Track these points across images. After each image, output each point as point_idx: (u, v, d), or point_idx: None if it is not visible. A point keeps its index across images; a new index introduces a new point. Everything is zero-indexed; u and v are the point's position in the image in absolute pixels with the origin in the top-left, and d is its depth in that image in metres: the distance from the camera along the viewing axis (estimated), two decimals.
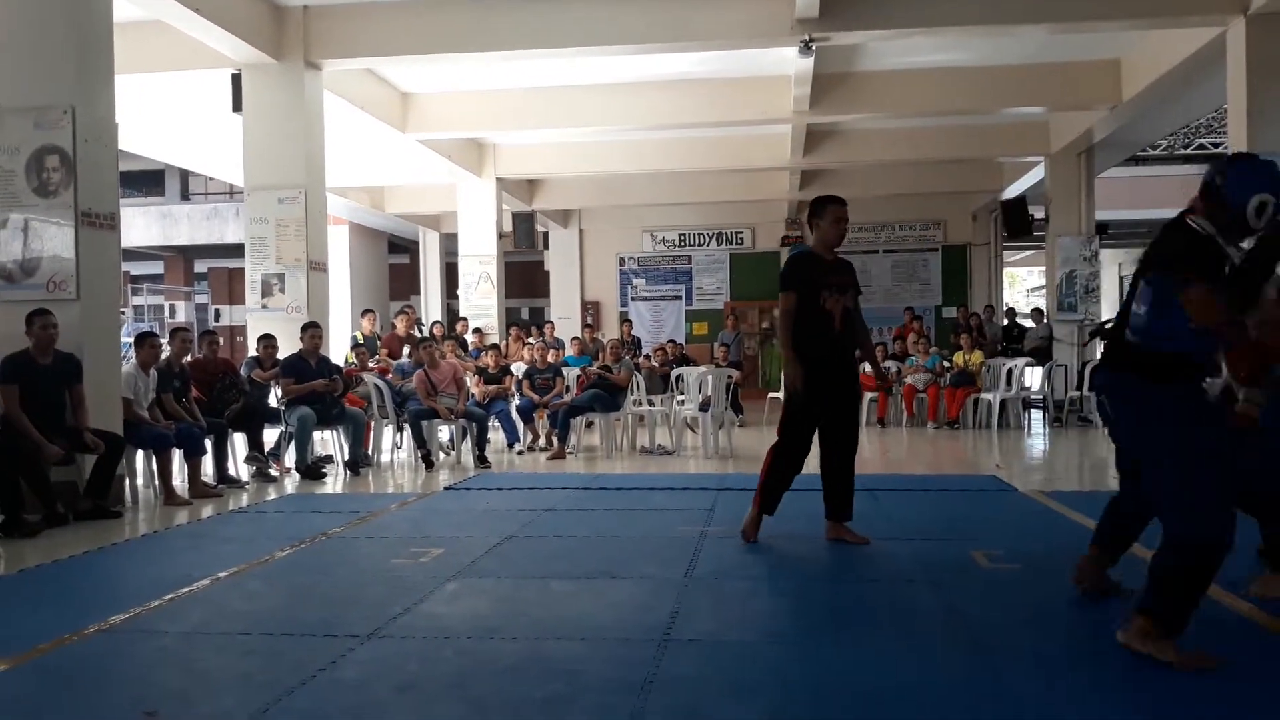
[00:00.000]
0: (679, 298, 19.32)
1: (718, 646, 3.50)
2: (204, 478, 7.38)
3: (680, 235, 19.30)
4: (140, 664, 3.48)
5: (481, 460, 8.86)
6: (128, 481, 6.90)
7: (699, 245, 19.33)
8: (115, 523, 6.19)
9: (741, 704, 2.92)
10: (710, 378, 9.74)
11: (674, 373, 11.50)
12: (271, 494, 7.47)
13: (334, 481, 8.20)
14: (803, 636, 3.66)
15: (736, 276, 19.16)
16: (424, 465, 8.78)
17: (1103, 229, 14.47)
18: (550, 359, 10.74)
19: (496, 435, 10.45)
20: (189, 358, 7.93)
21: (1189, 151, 18.90)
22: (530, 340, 12.59)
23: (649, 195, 17.22)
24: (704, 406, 9.76)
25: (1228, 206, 3.27)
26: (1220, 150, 18.69)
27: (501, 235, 14.96)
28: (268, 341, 8.67)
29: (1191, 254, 3.27)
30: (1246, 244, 3.38)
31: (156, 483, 7.05)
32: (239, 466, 8.14)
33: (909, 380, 12.46)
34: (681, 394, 10.93)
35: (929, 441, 10.85)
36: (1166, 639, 3.20)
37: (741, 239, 19.29)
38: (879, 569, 4.69)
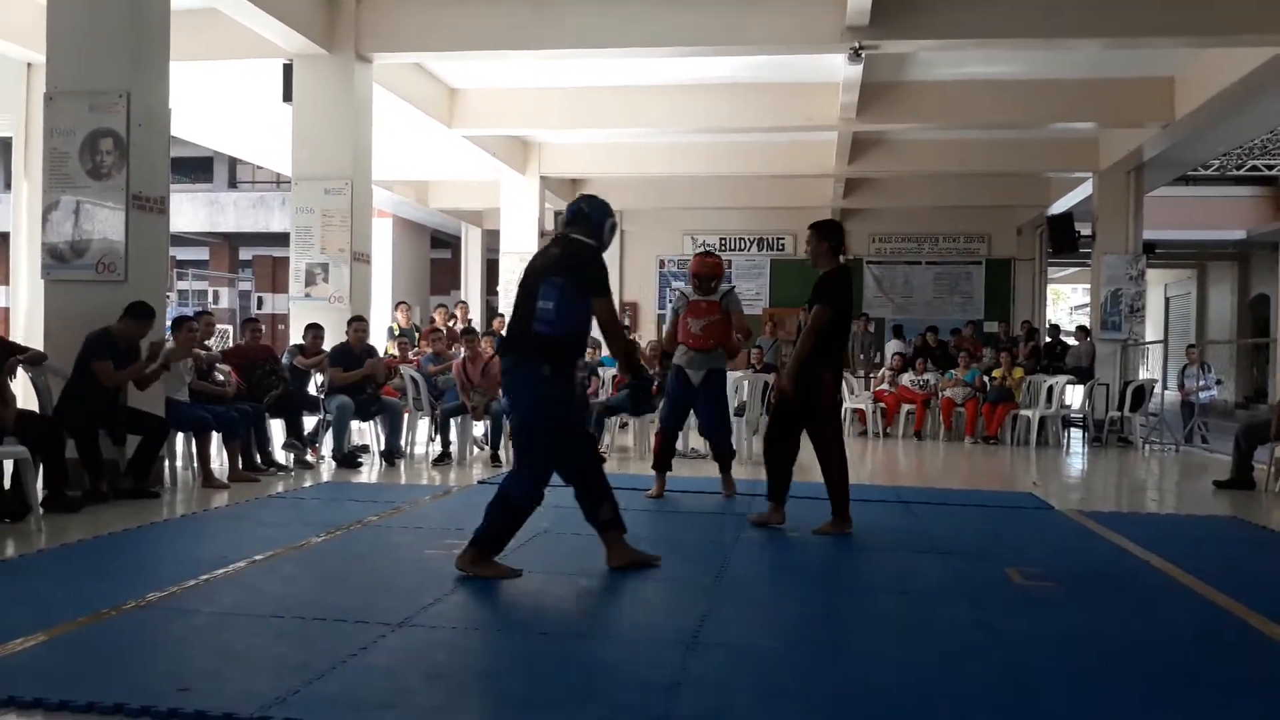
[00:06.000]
0: None
1: (746, 651, 3.49)
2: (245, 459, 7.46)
3: (721, 239, 19.25)
4: (175, 641, 3.53)
5: (495, 459, 8.86)
6: (167, 463, 7.00)
7: (739, 250, 19.27)
8: (154, 502, 6.28)
9: (768, 709, 2.91)
10: (746, 383, 9.70)
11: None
12: (308, 481, 7.54)
13: (369, 471, 8.27)
14: (832, 644, 3.63)
15: (776, 283, 19.10)
16: (444, 459, 8.78)
17: (1150, 248, 14.30)
18: (586, 358, 10.75)
19: None
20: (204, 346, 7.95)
21: (1241, 172, 18.59)
22: None
23: (691, 198, 17.21)
24: (739, 411, 9.73)
25: (592, 225, 4.57)
26: (1276, 173, 18.41)
27: (543, 233, 15.02)
28: (315, 332, 8.75)
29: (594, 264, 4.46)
30: None
31: (195, 465, 7.15)
32: (277, 452, 8.22)
33: (947, 394, 12.35)
34: None
35: (966, 456, 10.75)
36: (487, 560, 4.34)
37: (783, 245, 19.21)
38: (912, 581, 4.65)
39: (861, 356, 16.39)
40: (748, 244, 19.30)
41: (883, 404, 12.69)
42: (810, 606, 4.23)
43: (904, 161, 14.24)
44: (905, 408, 12.54)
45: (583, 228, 4.56)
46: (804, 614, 4.12)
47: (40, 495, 5.63)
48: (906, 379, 12.78)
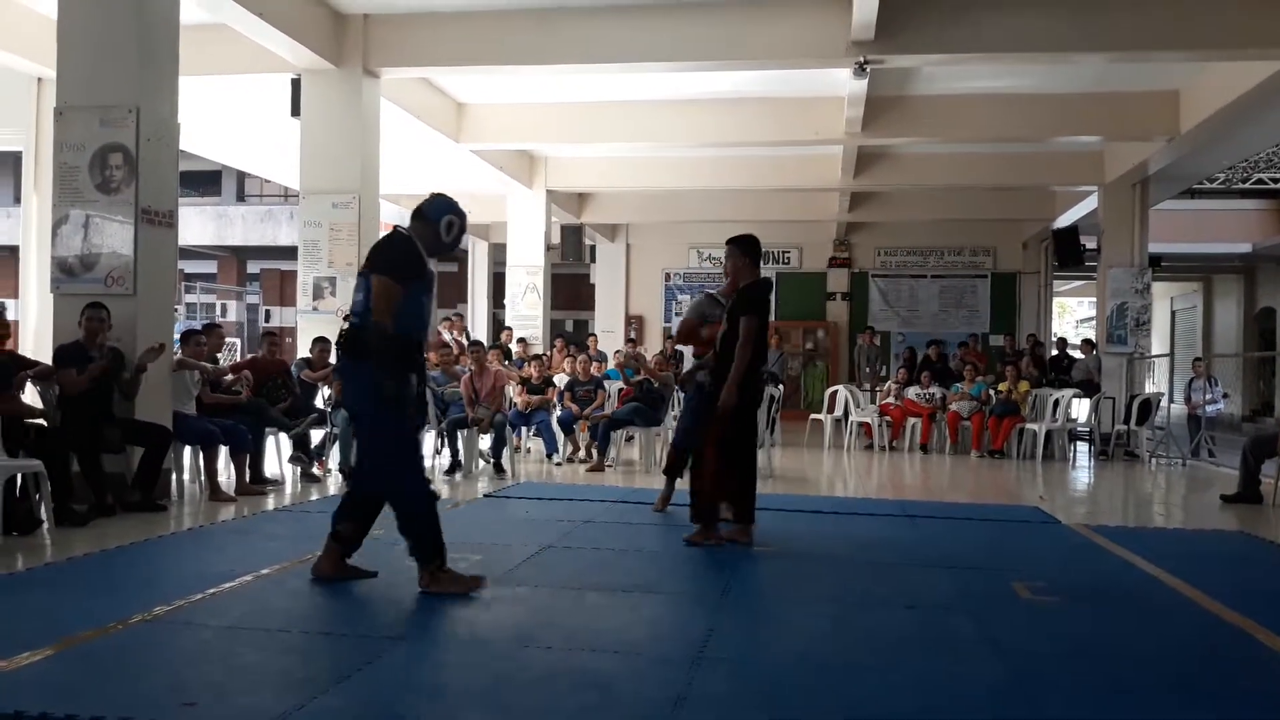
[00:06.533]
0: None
1: (751, 667, 3.48)
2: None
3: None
4: (181, 656, 3.53)
5: (498, 469, 8.91)
6: (174, 476, 7.01)
7: None
8: (161, 516, 6.29)
9: None
10: None
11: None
12: (314, 494, 7.56)
13: None
14: (837, 660, 3.63)
15: (782, 296, 19.10)
16: (455, 469, 8.85)
17: (1156, 261, 14.28)
18: (593, 372, 10.78)
19: (536, 445, 10.51)
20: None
21: (1247, 185, 18.57)
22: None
23: (697, 212, 17.25)
24: None
25: (428, 221, 4.46)
26: None
27: (550, 247, 15.07)
28: (323, 345, 8.77)
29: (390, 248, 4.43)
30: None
31: (203, 478, 7.16)
32: (283, 465, 8.24)
33: (953, 407, 12.33)
34: None
35: (972, 470, 10.73)
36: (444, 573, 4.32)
37: (788, 258, 19.23)
38: (917, 596, 4.65)
39: (867, 370, 16.39)
40: None
41: (889, 417, 12.68)
42: (816, 623, 4.22)
43: (909, 175, 14.26)
44: (911, 421, 12.53)
45: (419, 225, 4.50)
46: (810, 629, 4.12)
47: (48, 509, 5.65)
48: (912, 392, 12.76)
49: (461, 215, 4.58)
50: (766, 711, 3.03)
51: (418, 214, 4.53)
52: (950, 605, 4.47)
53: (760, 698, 3.16)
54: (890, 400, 12.88)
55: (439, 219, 4.48)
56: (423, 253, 4.47)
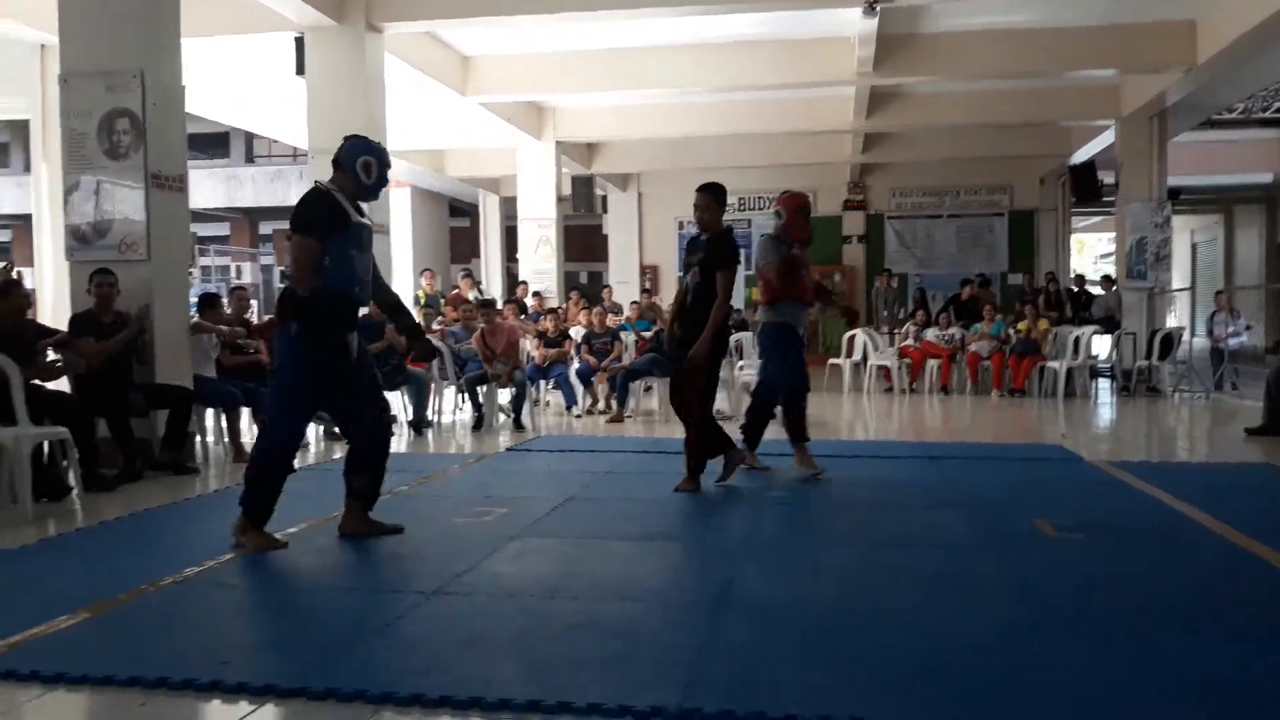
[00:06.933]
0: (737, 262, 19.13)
1: (775, 613, 3.49)
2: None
3: (740, 199, 19.11)
4: (213, 616, 3.58)
5: (517, 424, 8.95)
6: (199, 439, 7.07)
7: (759, 209, 19.14)
8: (189, 478, 6.36)
9: (798, 671, 2.92)
10: None
11: (733, 337, 11.44)
12: (337, 453, 7.61)
13: (397, 441, 8.30)
14: (864, 603, 3.63)
15: None
16: (477, 427, 8.88)
17: (1175, 195, 14.07)
18: (610, 323, 10.76)
19: (555, 399, 10.54)
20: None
21: (1268, 115, 18.23)
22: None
23: (709, 158, 17.06)
24: None
25: (345, 169, 4.40)
26: None
27: (560, 199, 14.96)
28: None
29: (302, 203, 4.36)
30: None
31: (226, 440, 7.22)
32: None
33: (973, 348, 12.27)
34: (741, 358, 10.89)
35: (993, 410, 10.70)
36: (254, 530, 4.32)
37: None
38: (940, 536, 4.65)
39: (885, 313, 16.31)
40: (768, 203, 19.16)
41: (908, 359, 12.63)
42: (839, 566, 4.23)
43: (922, 115, 14.05)
44: (931, 363, 12.48)
45: (338, 175, 4.44)
46: (834, 574, 4.13)
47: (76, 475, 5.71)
48: (931, 334, 12.70)
49: (379, 153, 4.48)
50: (793, 656, 3.05)
51: (335, 163, 4.45)
52: (975, 545, 4.48)
53: (785, 644, 3.17)
54: (909, 342, 12.83)
55: (353, 164, 4.40)
56: (344, 204, 4.37)
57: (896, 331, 14.12)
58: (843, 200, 18.75)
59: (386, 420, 4.74)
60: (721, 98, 13.74)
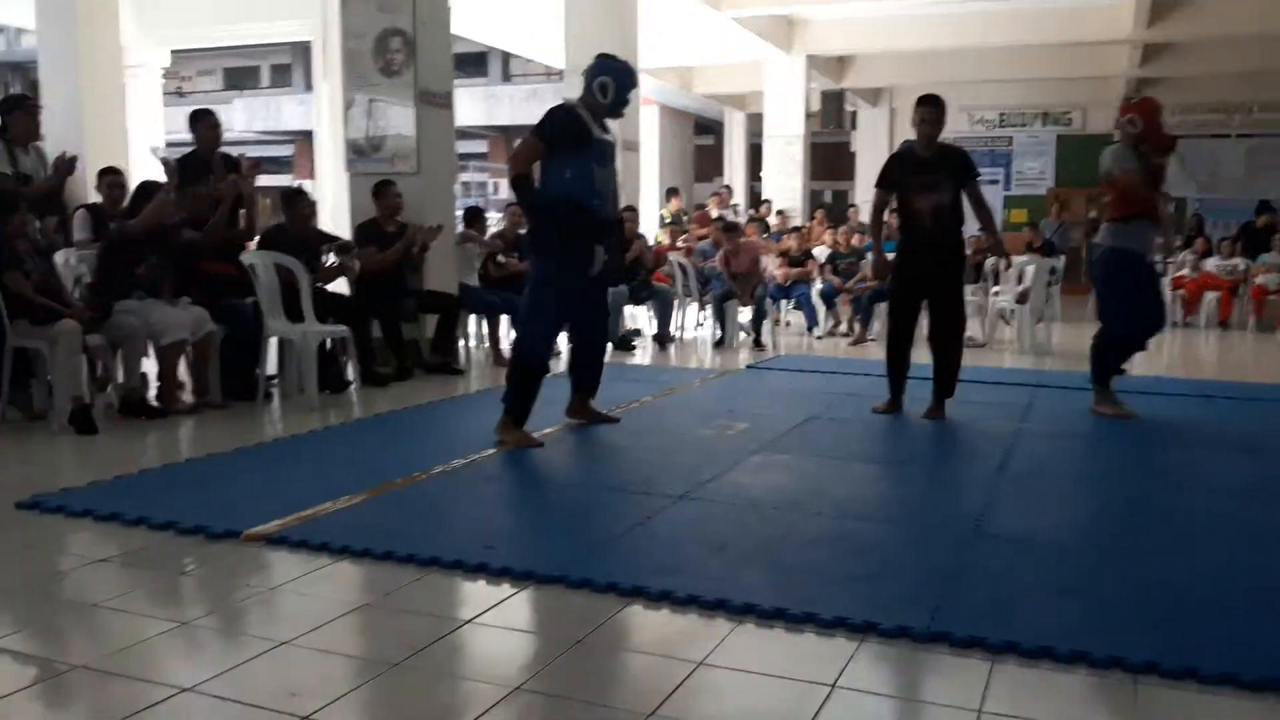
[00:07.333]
0: (996, 181, 18.14)
1: (1030, 543, 3.36)
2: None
3: (1000, 115, 18.05)
4: (480, 504, 3.84)
5: (757, 343, 8.94)
6: (461, 343, 7.52)
7: (1021, 126, 18.03)
8: (454, 379, 6.80)
9: (1053, 603, 2.80)
10: (1030, 268, 9.19)
11: (988, 261, 10.92)
12: None
13: (642, 354, 8.54)
14: (1125, 540, 3.43)
15: (1062, 160, 17.73)
16: (719, 344, 8.95)
17: None
18: (855, 243, 10.52)
19: (796, 319, 10.46)
20: None
21: None
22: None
23: (967, 71, 16.14)
24: (1021, 299, 9.25)
25: (587, 87, 4.61)
26: None
27: (809, 115, 14.64)
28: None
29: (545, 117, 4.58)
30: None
31: (487, 345, 7.65)
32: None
33: (1259, 280, 11.17)
34: (996, 284, 10.40)
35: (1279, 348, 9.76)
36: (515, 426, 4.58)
37: (1070, 119, 17.77)
38: (1214, 480, 4.30)
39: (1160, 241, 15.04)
40: (1030, 119, 18.00)
41: (1183, 291, 11.64)
42: (1099, 502, 4.02)
43: (1212, 23, 12.64)
44: (1209, 296, 11.46)
45: (585, 93, 4.64)
46: (1092, 509, 3.93)
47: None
48: (1211, 264, 11.64)
49: (617, 73, 4.64)
50: (1048, 587, 2.93)
51: (584, 86, 4.68)
52: (1248, 488, 4.13)
53: (1040, 574, 3.05)
54: (1185, 272, 11.82)
55: (592, 82, 4.62)
56: (587, 121, 4.56)
57: (1170, 261, 13.02)
58: (1114, 118, 17.33)
59: (606, 326, 5.22)
60: (979, 6, 12.91)
